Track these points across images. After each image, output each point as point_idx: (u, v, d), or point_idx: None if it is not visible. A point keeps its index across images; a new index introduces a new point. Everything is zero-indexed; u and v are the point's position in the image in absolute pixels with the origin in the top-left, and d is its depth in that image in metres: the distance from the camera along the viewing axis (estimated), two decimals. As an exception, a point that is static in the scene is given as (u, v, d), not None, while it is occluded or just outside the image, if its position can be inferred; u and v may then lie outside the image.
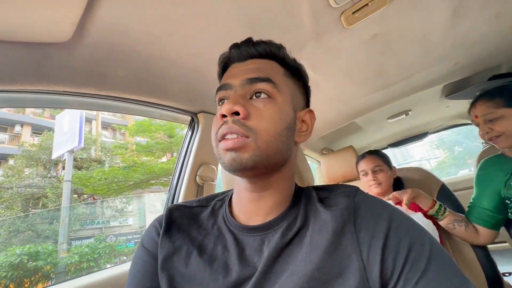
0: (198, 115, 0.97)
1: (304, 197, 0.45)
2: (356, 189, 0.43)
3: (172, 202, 0.91)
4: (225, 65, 0.49)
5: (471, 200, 1.04)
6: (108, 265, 5.86)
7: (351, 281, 0.33)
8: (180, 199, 0.90)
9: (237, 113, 0.39)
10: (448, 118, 2.07)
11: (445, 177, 2.38)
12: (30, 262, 4.80)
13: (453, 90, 1.53)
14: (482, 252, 1.11)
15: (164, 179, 7.91)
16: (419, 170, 1.45)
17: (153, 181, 7.99)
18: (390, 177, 1.29)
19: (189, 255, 0.42)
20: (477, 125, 0.99)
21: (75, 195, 8.67)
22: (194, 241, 0.43)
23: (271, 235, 0.41)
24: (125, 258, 6.61)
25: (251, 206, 0.43)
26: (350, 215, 0.38)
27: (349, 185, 0.44)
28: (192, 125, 0.98)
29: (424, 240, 0.35)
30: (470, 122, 2.14)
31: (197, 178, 0.93)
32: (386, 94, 1.34)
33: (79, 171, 8.36)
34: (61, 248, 5.31)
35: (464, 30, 0.94)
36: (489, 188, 0.97)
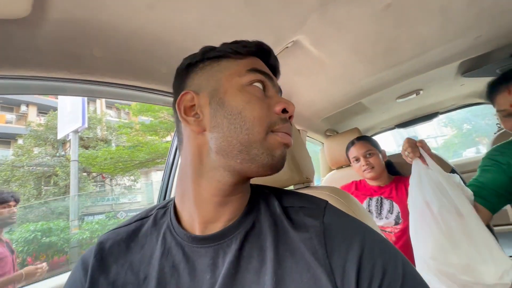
0: (191, 98, 0.90)
1: (263, 202, 0.41)
2: (325, 205, 0.39)
3: (165, 194, 0.88)
4: (257, 50, 0.44)
5: (474, 180, 0.97)
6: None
7: None
8: (174, 187, 0.86)
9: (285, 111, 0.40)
10: (461, 98, 1.94)
11: (452, 159, 2.29)
12: (44, 238, 5.05)
13: (470, 68, 1.41)
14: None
15: (169, 158, 7.99)
16: None
17: (159, 160, 8.10)
18: (381, 160, 1.34)
19: None
20: (508, 115, 0.85)
21: (85, 174, 8.91)
22: (138, 271, 0.36)
23: (226, 245, 0.36)
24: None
25: (213, 212, 0.38)
26: (320, 240, 0.35)
27: (317, 199, 0.41)
28: (185, 109, 0.92)
29: (397, 263, 0.34)
30: (484, 102, 2.01)
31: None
32: (397, 72, 1.23)
33: (87, 150, 8.50)
34: (73, 225, 5.55)
35: None
36: (500, 171, 0.89)
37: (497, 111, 0.90)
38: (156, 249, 0.38)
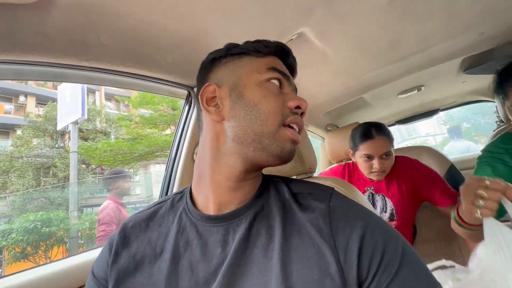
0: (194, 89, 0.90)
1: (273, 188, 0.44)
2: (331, 191, 0.42)
3: (169, 183, 0.89)
4: (277, 50, 0.47)
5: None
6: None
7: (329, 285, 0.33)
8: (177, 180, 0.87)
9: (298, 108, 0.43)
10: (463, 95, 1.95)
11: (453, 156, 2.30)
12: (44, 228, 5.08)
13: (472, 64, 1.41)
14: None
15: (168, 151, 7.98)
16: (427, 149, 1.40)
17: (158, 153, 8.10)
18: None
19: (151, 263, 0.39)
20: None
21: (84, 165, 8.91)
22: (155, 246, 0.41)
23: (236, 224, 0.39)
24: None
25: (227, 195, 0.42)
26: (325, 220, 0.37)
27: (324, 186, 0.43)
28: (189, 100, 0.92)
29: (397, 244, 0.35)
30: (484, 99, 2.02)
31: (195, 156, 0.89)
32: (399, 67, 1.24)
33: (86, 142, 8.49)
34: (72, 215, 5.58)
35: None
36: (505, 167, 0.79)
37: (509, 104, 0.80)
38: (172, 227, 0.42)
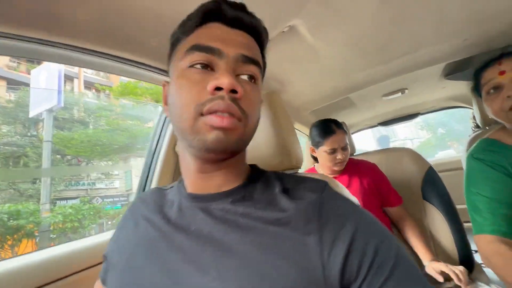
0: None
1: (262, 182, 0.43)
2: (325, 184, 0.40)
3: (148, 174, 0.84)
4: (203, 17, 0.40)
5: (484, 205, 0.77)
6: (93, 225, 5.95)
7: (306, 279, 0.31)
8: (156, 172, 0.82)
9: (234, 91, 0.35)
10: (442, 100, 2.03)
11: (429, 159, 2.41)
12: (11, 221, 4.77)
13: (452, 70, 1.46)
14: (457, 231, 1.15)
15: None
16: (408, 151, 1.43)
17: (140, 146, 7.84)
18: None
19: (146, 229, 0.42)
20: (495, 87, 0.79)
21: (58, 156, 8.43)
22: (155, 223, 0.42)
23: (213, 207, 0.39)
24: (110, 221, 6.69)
25: (200, 184, 0.42)
26: (314, 212, 0.35)
27: (318, 179, 0.42)
28: (173, 88, 0.87)
29: (391, 245, 0.33)
30: (462, 105, 2.12)
31: (176, 147, 0.85)
32: (387, 68, 1.26)
33: (61, 132, 8.05)
34: (44, 208, 5.27)
35: (482, 2, 0.84)
36: (502, 180, 0.76)
37: (483, 90, 0.84)
38: (168, 205, 0.45)
